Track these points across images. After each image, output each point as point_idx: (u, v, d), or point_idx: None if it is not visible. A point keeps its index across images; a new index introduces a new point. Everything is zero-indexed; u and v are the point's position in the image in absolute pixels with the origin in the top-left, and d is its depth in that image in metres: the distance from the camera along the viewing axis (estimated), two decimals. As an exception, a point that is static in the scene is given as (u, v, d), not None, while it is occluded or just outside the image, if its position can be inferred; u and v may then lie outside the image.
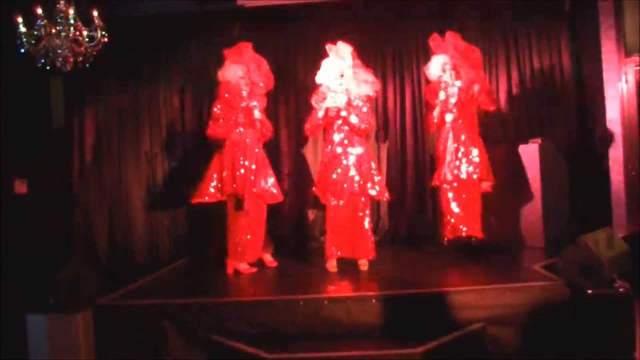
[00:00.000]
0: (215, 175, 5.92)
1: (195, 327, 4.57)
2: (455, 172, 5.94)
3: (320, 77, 5.73)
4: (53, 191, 7.18)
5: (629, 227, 6.45)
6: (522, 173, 6.45)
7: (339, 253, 5.72)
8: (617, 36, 6.63)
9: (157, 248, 7.34)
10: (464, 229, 5.94)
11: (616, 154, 6.62)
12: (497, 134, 7.28)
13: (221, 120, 5.92)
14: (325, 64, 5.74)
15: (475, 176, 5.93)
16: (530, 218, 6.38)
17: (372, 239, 5.79)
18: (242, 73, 5.94)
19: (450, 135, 6.00)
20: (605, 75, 6.72)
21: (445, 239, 6.18)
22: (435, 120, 6.10)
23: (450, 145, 5.99)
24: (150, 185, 7.44)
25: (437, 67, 6.09)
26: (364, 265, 5.69)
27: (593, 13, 6.81)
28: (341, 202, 5.64)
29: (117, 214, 7.36)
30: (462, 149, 5.95)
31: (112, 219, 7.36)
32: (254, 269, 5.92)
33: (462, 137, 5.98)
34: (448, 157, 5.99)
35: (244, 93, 5.95)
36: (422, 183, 7.31)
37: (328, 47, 5.78)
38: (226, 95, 5.92)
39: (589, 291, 4.40)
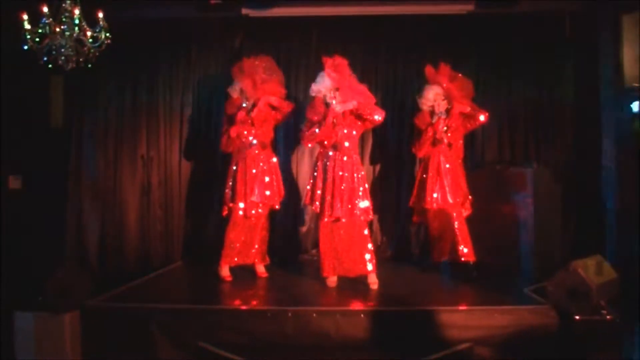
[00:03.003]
0: (228, 186, 6.08)
1: (183, 333, 4.57)
2: (433, 198, 6.09)
3: (314, 90, 5.73)
4: (47, 190, 7.16)
5: (620, 253, 6.49)
6: (516, 196, 6.47)
7: (335, 270, 5.66)
8: (616, 65, 6.68)
9: (149, 252, 7.29)
10: (455, 252, 6.05)
11: (610, 182, 6.65)
12: (493, 156, 7.32)
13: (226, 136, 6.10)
14: (320, 76, 5.74)
15: (451, 200, 6.07)
16: (522, 241, 6.40)
17: (371, 255, 5.66)
18: (240, 88, 6.06)
19: (434, 162, 6.16)
20: (602, 102, 6.77)
21: (434, 261, 6.43)
22: (423, 146, 6.28)
23: (433, 172, 6.14)
24: (145, 189, 7.42)
25: (429, 96, 6.22)
26: (373, 283, 5.59)
27: (593, 41, 6.88)
28: (342, 220, 5.60)
29: (110, 217, 7.32)
30: (443, 177, 6.09)
31: (104, 222, 7.31)
32: (230, 278, 5.95)
33: (445, 166, 6.12)
34: (428, 185, 6.14)
35: (245, 105, 6.05)
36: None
37: (325, 59, 5.78)
38: (230, 110, 6.11)
39: (577, 317, 4.42)
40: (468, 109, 6.13)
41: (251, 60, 6.19)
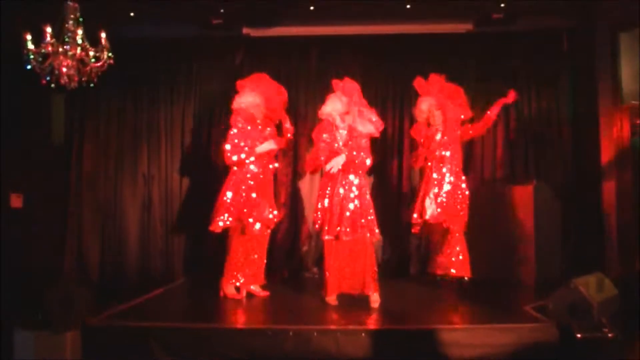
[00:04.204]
0: (227, 201, 5.89)
1: (184, 352, 4.55)
2: (431, 211, 6.01)
3: (324, 112, 5.69)
4: (49, 207, 7.18)
5: (620, 269, 6.49)
6: (516, 213, 6.48)
7: (339, 289, 5.61)
8: (614, 81, 6.73)
9: (149, 270, 7.31)
10: (451, 269, 6.00)
11: (609, 198, 6.67)
12: (492, 173, 7.34)
13: (242, 144, 5.88)
14: (331, 99, 5.69)
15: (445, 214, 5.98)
16: (523, 258, 6.41)
17: (375, 274, 5.62)
18: (259, 101, 5.98)
19: (431, 174, 6.10)
20: (600, 119, 6.80)
21: (434, 275, 6.33)
22: (419, 158, 6.25)
23: (429, 185, 6.08)
24: (145, 206, 7.44)
25: (422, 108, 6.20)
26: (375, 302, 5.54)
27: (591, 58, 6.93)
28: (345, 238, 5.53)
29: (110, 234, 7.36)
30: (443, 188, 6.01)
31: (105, 239, 7.35)
32: (241, 296, 5.91)
33: (443, 178, 6.05)
34: (428, 198, 6.06)
35: (258, 121, 6.00)
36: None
37: (335, 83, 5.75)
38: (240, 122, 5.92)
39: (578, 335, 4.41)
40: (462, 117, 6.11)
41: (268, 79, 6.19)
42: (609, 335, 4.45)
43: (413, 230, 6.38)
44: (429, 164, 6.17)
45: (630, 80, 6.66)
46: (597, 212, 6.78)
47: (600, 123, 6.81)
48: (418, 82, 6.32)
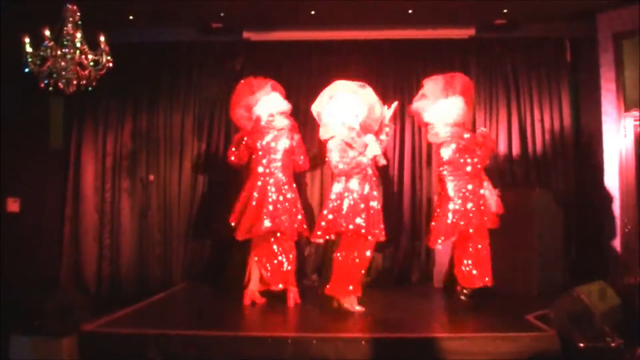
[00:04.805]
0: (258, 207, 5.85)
1: (182, 359, 4.50)
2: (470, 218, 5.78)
3: (337, 115, 5.64)
4: (46, 212, 7.15)
5: (623, 279, 6.45)
6: (518, 220, 6.43)
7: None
8: (617, 89, 6.70)
9: (146, 276, 7.25)
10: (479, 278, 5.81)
11: (612, 206, 6.63)
12: (494, 180, 7.27)
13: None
14: (344, 100, 5.66)
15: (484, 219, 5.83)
16: (524, 266, 6.36)
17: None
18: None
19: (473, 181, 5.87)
20: (604, 127, 6.78)
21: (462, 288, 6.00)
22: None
23: (473, 190, 5.82)
24: (143, 211, 7.39)
25: (458, 111, 5.88)
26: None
27: (594, 65, 6.91)
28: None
29: (108, 239, 7.30)
30: (478, 198, 5.82)
31: (102, 244, 7.30)
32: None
33: (479, 182, 5.89)
34: (470, 204, 5.78)
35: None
36: (417, 225, 7.32)
37: (355, 84, 5.78)
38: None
39: (580, 344, 4.37)
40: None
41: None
42: (612, 344, 4.41)
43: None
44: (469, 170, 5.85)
45: (632, 87, 6.64)
46: (600, 221, 6.75)
47: (604, 130, 6.78)
48: (448, 81, 6.02)
